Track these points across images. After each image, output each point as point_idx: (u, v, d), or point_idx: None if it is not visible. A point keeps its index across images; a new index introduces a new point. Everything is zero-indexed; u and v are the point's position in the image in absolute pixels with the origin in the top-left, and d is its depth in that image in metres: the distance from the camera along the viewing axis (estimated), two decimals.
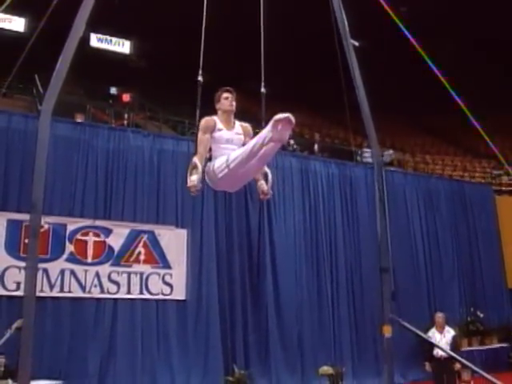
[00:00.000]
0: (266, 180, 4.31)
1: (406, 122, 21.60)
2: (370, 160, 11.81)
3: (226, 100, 4.24)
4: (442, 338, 8.08)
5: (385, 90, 15.66)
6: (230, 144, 4.12)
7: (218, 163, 4.00)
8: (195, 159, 3.97)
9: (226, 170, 3.90)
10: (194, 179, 3.90)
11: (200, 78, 4.38)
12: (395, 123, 20.22)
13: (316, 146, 13.36)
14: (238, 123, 4.29)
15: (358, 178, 11.22)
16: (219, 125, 4.17)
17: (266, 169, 4.27)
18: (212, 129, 4.13)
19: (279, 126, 3.42)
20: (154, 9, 16.71)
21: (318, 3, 6.27)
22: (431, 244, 11.85)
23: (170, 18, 16.95)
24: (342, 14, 5.50)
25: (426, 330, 8.22)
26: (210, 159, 4.13)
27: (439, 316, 8.42)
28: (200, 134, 4.11)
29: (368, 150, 12.05)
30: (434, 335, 8.14)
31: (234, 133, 4.20)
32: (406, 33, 5.25)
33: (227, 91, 4.29)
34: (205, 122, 4.15)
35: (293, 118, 3.40)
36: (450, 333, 8.20)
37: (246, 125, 4.32)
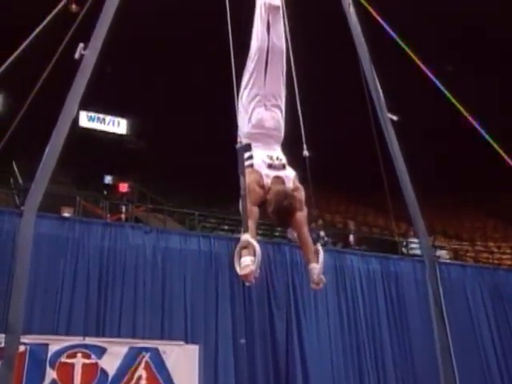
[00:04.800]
0: (317, 259, 4.15)
1: (459, 203, 21.49)
2: (418, 252, 11.72)
3: None
4: None
5: (429, 164, 15.75)
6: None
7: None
8: (247, 237, 3.66)
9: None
10: (248, 262, 3.57)
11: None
12: (445, 204, 20.17)
13: (351, 237, 13.38)
14: None
15: (405, 273, 11.17)
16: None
17: (319, 246, 4.23)
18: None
19: None
20: (153, 82, 17.14)
21: (349, 70, 6.49)
22: (506, 352, 11.46)
23: (172, 93, 17.44)
24: (376, 84, 5.66)
25: None
26: None
27: None
28: (248, 205, 3.81)
29: (415, 239, 11.99)
30: None
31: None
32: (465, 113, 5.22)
33: None
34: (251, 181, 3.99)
35: None
36: None
37: None
